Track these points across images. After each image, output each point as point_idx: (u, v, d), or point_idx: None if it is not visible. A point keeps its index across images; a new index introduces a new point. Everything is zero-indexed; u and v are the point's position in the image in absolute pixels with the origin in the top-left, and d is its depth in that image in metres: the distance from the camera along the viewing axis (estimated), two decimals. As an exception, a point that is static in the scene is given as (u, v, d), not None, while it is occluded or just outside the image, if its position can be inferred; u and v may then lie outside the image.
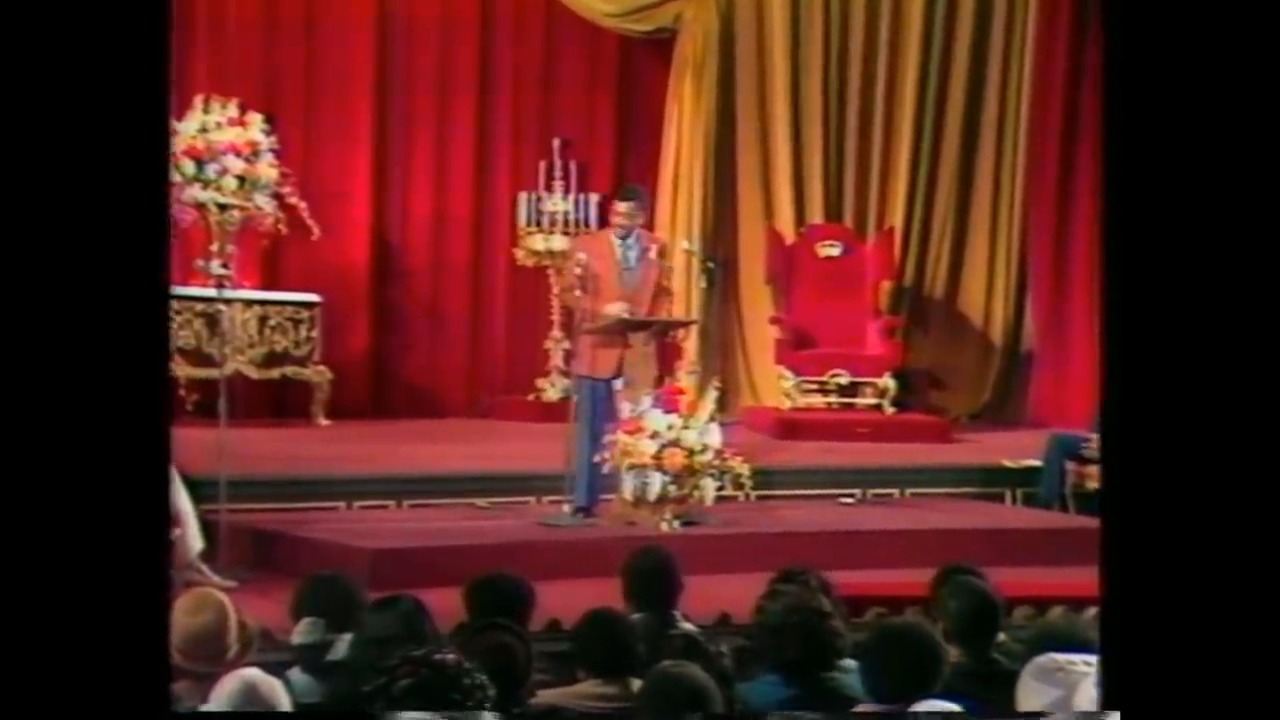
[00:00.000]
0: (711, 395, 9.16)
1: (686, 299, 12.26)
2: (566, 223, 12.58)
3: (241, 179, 11.46)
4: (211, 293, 9.93)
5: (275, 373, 11.57)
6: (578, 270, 9.19)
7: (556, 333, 12.57)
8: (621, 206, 9.38)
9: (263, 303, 11.52)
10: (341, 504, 9.35)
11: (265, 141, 11.65)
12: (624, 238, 9.31)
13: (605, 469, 8.87)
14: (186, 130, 11.32)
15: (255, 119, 11.65)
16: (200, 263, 10.98)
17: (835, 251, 12.91)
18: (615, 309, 9.12)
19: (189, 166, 11.30)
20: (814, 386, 12.48)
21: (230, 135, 11.45)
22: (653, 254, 9.42)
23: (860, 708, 4.63)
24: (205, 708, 4.26)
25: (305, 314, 11.67)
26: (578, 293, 9.21)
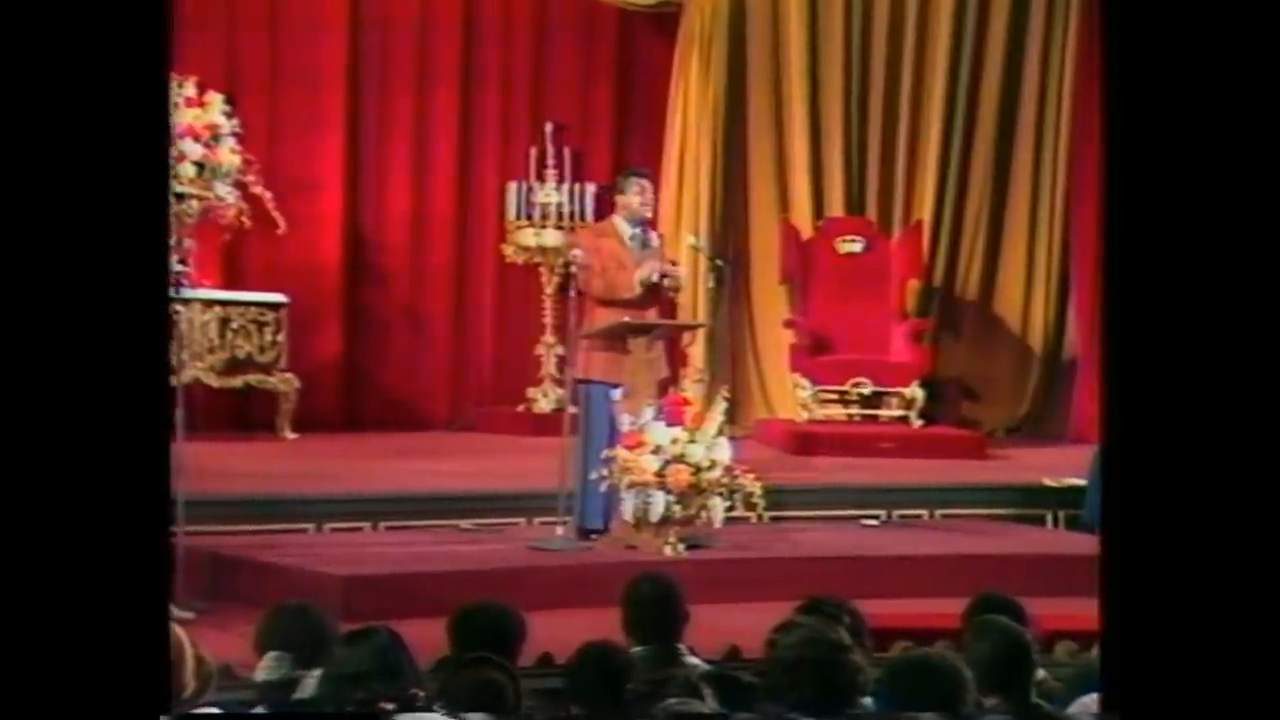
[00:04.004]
0: (720, 406, 9.15)
1: (693, 300, 12.28)
2: (560, 215, 12.58)
3: (200, 165, 11.46)
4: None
5: (237, 381, 11.57)
6: (575, 269, 9.20)
7: (549, 337, 12.57)
8: (635, 186, 9.37)
9: (224, 303, 11.53)
10: (310, 526, 9.34)
11: (226, 125, 11.65)
12: (636, 225, 9.32)
13: (603, 487, 8.87)
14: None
15: (215, 100, 11.65)
16: (155, 259, 10.98)
17: (857, 248, 12.92)
18: (644, 271, 9.11)
19: (142, 152, 11.31)
20: (833, 396, 12.48)
21: (188, 117, 11.45)
22: (654, 243, 9.44)
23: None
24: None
25: (270, 316, 11.67)
26: (574, 291, 9.24)
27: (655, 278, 9.19)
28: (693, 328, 11.40)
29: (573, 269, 9.22)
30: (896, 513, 10.38)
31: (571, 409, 9.34)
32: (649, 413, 8.88)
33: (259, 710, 4.99)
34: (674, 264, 9.78)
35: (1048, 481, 10.85)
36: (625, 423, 8.91)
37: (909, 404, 12.44)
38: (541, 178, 12.71)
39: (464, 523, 9.50)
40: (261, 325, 11.63)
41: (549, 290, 12.52)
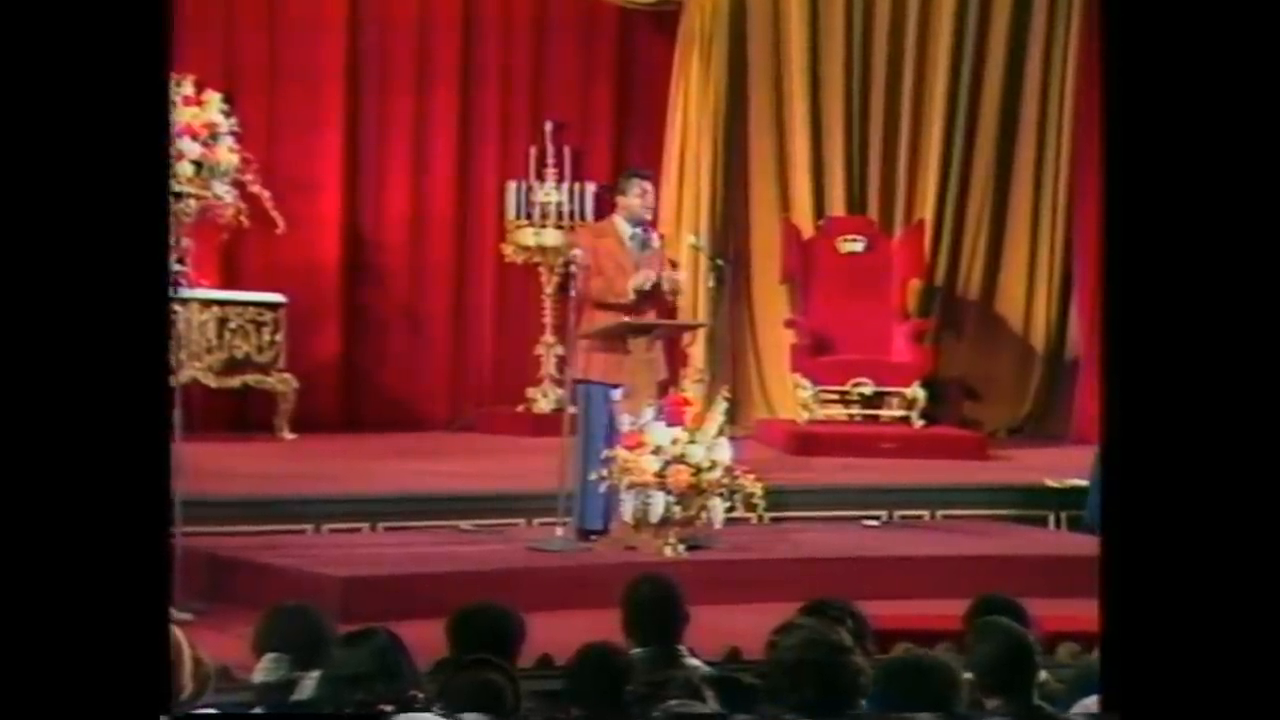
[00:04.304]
0: (720, 406, 9.15)
1: (693, 300, 12.28)
2: (560, 215, 12.58)
3: (198, 164, 11.46)
4: (165, 292, 9.92)
5: (235, 381, 11.57)
6: (574, 269, 9.21)
7: (549, 337, 12.57)
8: (637, 188, 9.37)
9: (222, 303, 11.53)
10: (309, 527, 9.35)
11: (224, 123, 11.65)
12: (636, 225, 9.32)
13: (603, 488, 8.87)
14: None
15: (213, 98, 11.65)
16: (152, 258, 10.97)
17: (858, 247, 12.92)
18: (639, 279, 9.12)
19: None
20: (834, 397, 12.48)
21: (186, 116, 11.45)
22: (655, 243, 9.45)
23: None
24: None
25: (269, 316, 11.67)
26: (574, 292, 9.25)
27: (648, 285, 9.18)
28: (693, 327, 11.40)
29: (572, 269, 9.22)
30: (897, 513, 10.38)
31: (571, 409, 9.35)
32: (649, 413, 8.88)
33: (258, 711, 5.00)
34: (674, 264, 9.79)
35: (1050, 482, 10.85)
36: (625, 423, 8.91)
37: (910, 404, 12.44)
38: (541, 177, 12.71)
39: (463, 523, 9.50)
40: (260, 325, 11.63)
41: (549, 290, 12.51)
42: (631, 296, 9.13)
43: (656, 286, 9.23)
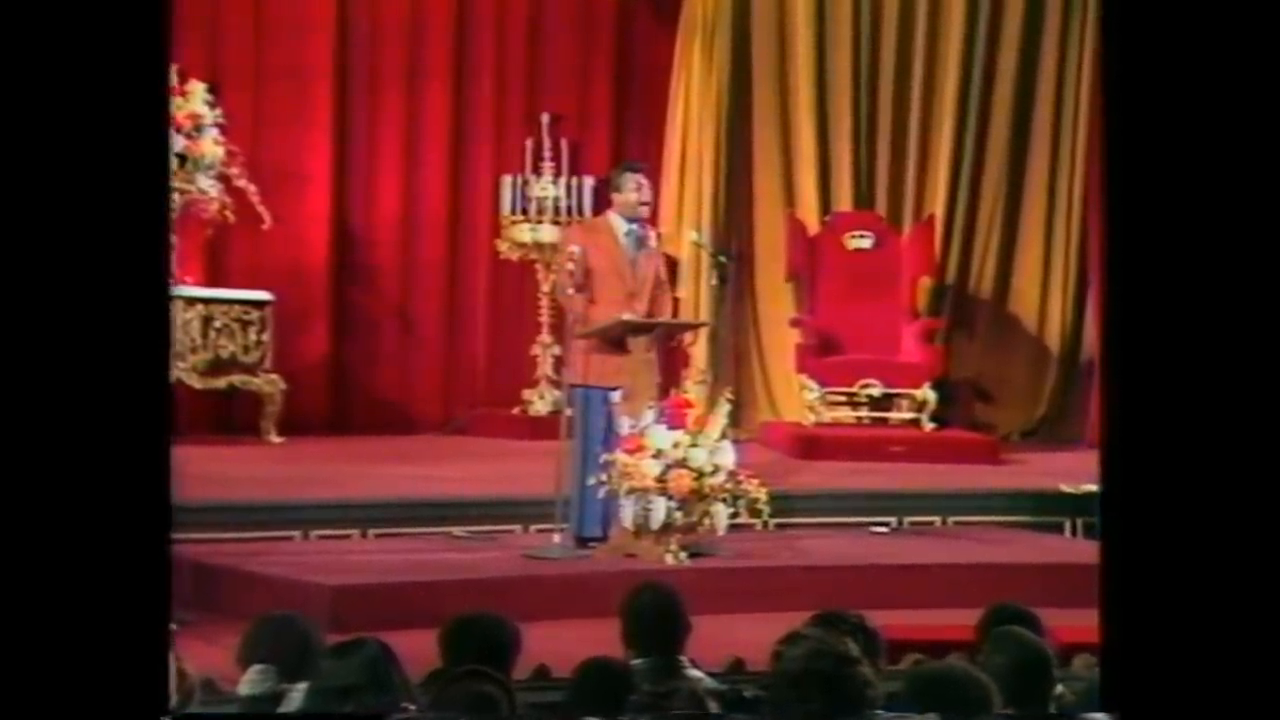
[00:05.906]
0: (723, 408, 9.16)
1: (695, 298, 12.29)
2: (557, 210, 12.58)
3: (182, 158, 11.46)
4: (148, 290, 9.92)
5: (221, 382, 11.58)
6: (570, 266, 9.19)
7: (545, 336, 12.57)
8: (631, 182, 9.36)
9: (207, 301, 11.54)
10: (297, 533, 9.36)
11: (209, 115, 11.66)
12: (632, 221, 9.32)
13: (601, 493, 8.87)
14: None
15: (197, 88, 11.66)
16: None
17: (866, 244, 12.92)
18: (628, 315, 9.13)
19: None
20: (841, 398, 12.48)
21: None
22: (652, 242, 9.45)
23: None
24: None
25: (255, 315, 11.68)
26: (570, 291, 9.22)
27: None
28: (695, 327, 11.39)
29: (569, 265, 9.21)
30: (907, 520, 10.38)
31: (568, 412, 9.35)
32: (649, 415, 8.88)
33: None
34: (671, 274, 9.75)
35: (1065, 487, 10.83)
36: (625, 426, 8.91)
37: (920, 406, 12.44)
38: (538, 171, 12.71)
39: (457, 530, 9.50)
40: (246, 324, 11.64)
41: (545, 288, 12.51)
42: (602, 324, 9.12)
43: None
